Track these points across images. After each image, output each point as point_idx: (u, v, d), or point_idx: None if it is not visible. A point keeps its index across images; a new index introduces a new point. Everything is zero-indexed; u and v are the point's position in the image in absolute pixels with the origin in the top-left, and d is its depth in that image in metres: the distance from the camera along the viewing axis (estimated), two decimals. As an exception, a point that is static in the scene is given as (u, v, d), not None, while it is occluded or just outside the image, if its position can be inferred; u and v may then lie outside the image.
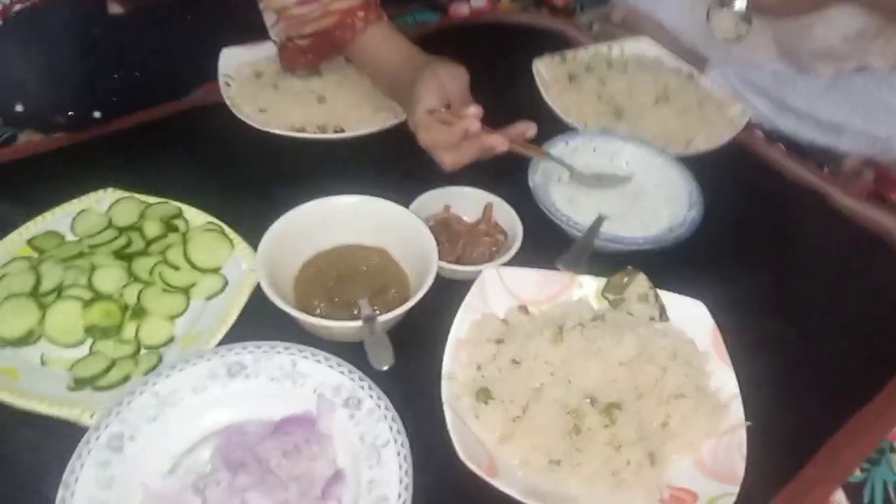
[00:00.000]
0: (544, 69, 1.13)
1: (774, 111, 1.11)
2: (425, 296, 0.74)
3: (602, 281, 0.80)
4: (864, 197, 1.04)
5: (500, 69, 1.16)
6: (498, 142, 0.86)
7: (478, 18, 1.36)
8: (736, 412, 0.69)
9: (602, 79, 1.11)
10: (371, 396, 0.66)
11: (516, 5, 1.41)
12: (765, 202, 1.02)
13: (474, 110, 0.85)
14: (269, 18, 1.04)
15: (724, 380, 0.73)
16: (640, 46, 1.19)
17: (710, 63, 1.16)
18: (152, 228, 0.82)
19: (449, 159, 0.87)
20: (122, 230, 0.82)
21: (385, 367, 0.68)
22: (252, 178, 0.95)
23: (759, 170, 1.07)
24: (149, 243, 0.81)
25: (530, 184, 0.92)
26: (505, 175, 0.93)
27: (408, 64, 0.93)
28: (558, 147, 0.98)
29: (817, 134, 1.09)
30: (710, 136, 1.05)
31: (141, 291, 0.77)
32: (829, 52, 1.13)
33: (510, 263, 0.83)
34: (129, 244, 0.81)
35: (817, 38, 1.12)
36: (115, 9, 1.08)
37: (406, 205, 0.86)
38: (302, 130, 0.99)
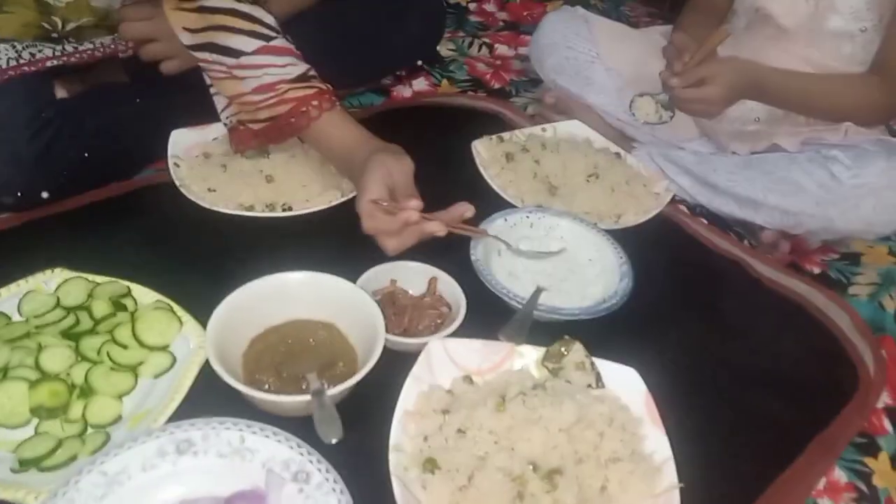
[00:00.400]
0: (483, 149, 1.20)
1: (696, 187, 1.19)
2: (373, 368, 0.77)
3: (541, 350, 0.84)
4: (782, 266, 1.12)
5: (441, 148, 1.22)
6: (437, 227, 0.91)
7: (420, 100, 1.42)
8: (669, 474, 0.73)
9: (537, 159, 1.18)
10: (320, 470, 0.68)
11: (456, 88, 1.48)
12: (690, 272, 1.09)
13: (415, 203, 0.90)
14: (220, 103, 1.08)
15: (657, 443, 0.76)
16: (572, 128, 1.28)
17: (637, 143, 1.25)
18: (101, 308, 0.83)
19: (391, 245, 0.91)
20: (70, 310, 0.82)
21: (334, 441, 0.70)
22: (201, 256, 0.97)
23: (683, 242, 1.14)
24: (97, 322, 0.82)
25: (472, 258, 0.96)
26: (448, 249, 0.97)
27: (359, 150, 0.98)
28: (497, 223, 1.03)
29: (735, 208, 1.17)
30: (638, 211, 1.13)
31: (88, 371, 0.77)
32: (744, 133, 1.23)
33: (455, 335, 0.87)
34: (77, 324, 0.81)
35: (733, 121, 1.22)
36: (61, 93, 1.10)
37: (353, 280, 0.89)
38: (251, 209, 1.02)
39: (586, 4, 1.81)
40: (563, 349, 0.84)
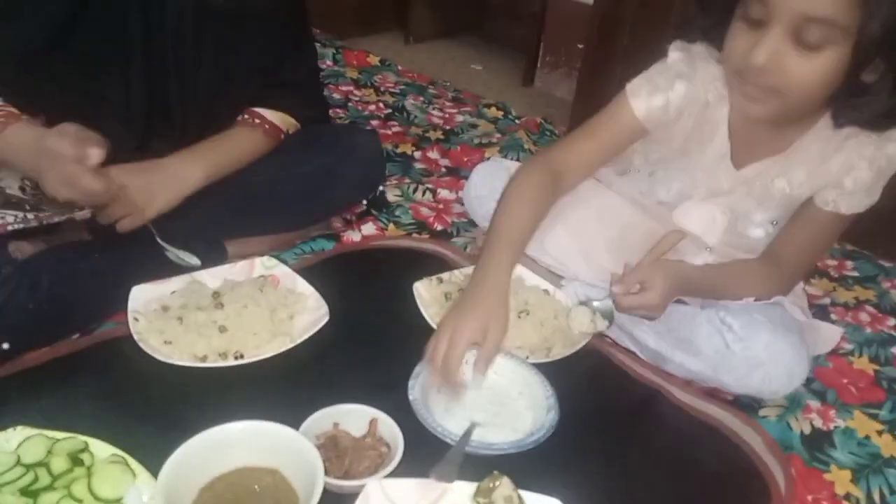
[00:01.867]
0: (423, 290, 1.30)
1: (614, 330, 1.29)
2: (315, 512, 0.83)
3: (473, 486, 0.91)
4: (699, 393, 1.20)
5: (386, 290, 1.33)
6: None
7: (367, 243, 1.54)
8: None
9: (472, 298, 1.28)
10: None
11: (402, 231, 1.60)
12: (614, 400, 1.18)
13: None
14: None
15: (579, 572, 0.83)
16: (505, 267, 1.39)
17: (563, 281, 1.36)
18: (59, 464, 0.88)
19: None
20: (29, 467, 0.88)
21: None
22: (157, 407, 1.04)
23: (609, 371, 1.23)
24: (55, 478, 0.87)
25: (410, 398, 1.04)
26: (387, 391, 1.05)
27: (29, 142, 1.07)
28: (436, 361, 1.12)
29: (647, 356, 1.27)
30: (566, 344, 1.22)
31: (44, 527, 0.82)
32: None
33: (394, 474, 0.93)
34: (35, 480, 0.86)
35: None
36: (17, 254, 1.18)
37: (299, 422, 0.96)
38: (204, 359, 1.09)
39: (520, 150, 2.00)
40: (492, 485, 0.91)
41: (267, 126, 1.39)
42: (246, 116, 1.38)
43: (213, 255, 1.34)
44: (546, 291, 1.33)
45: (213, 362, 1.09)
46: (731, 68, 1.07)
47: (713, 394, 1.21)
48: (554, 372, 1.13)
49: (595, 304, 1.21)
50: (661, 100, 1.19)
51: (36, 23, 1.13)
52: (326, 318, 1.18)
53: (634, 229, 1.32)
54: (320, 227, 1.56)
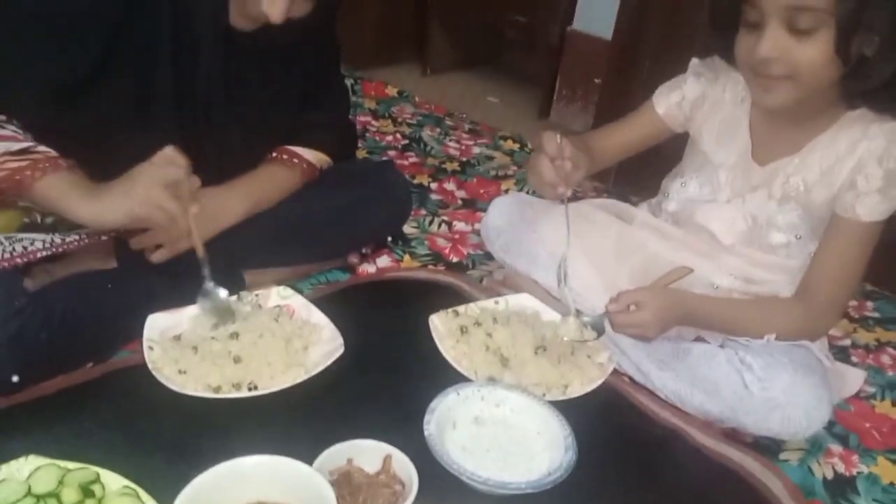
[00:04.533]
0: (439, 323, 1.29)
1: (633, 370, 1.28)
2: (327, 550, 0.81)
3: (488, 526, 0.89)
4: (719, 435, 1.18)
5: (401, 321, 1.32)
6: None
7: (383, 275, 1.53)
8: None
9: (489, 332, 1.26)
10: None
11: (418, 263, 1.60)
12: (632, 441, 1.15)
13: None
14: None
15: None
16: (522, 301, 1.38)
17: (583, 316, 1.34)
18: (69, 495, 0.87)
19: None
20: (40, 497, 0.87)
21: None
22: (170, 438, 1.03)
23: (627, 410, 1.22)
24: (65, 510, 0.86)
25: (425, 433, 1.03)
26: (403, 425, 1.04)
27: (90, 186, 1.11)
28: (451, 396, 1.10)
29: (665, 397, 1.25)
30: (584, 381, 1.20)
31: (52, 560, 0.80)
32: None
33: (407, 512, 0.92)
34: (45, 512, 0.85)
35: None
36: (30, 285, 1.18)
37: (313, 455, 0.95)
38: (218, 390, 1.08)
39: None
40: (508, 525, 0.89)
41: (305, 165, 1.41)
42: (284, 156, 1.40)
43: (231, 285, 1.33)
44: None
45: (227, 393, 1.08)
46: (744, 67, 1.18)
47: (732, 435, 1.19)
48: (571, 410, 1.11)
49: (585, 318, 1.24)
50: (677, 96, 1.38)
51: (65, 64, 1.13)
52: (341, 350, 1.16)
53: (657, 261, 1.32)
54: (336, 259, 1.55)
